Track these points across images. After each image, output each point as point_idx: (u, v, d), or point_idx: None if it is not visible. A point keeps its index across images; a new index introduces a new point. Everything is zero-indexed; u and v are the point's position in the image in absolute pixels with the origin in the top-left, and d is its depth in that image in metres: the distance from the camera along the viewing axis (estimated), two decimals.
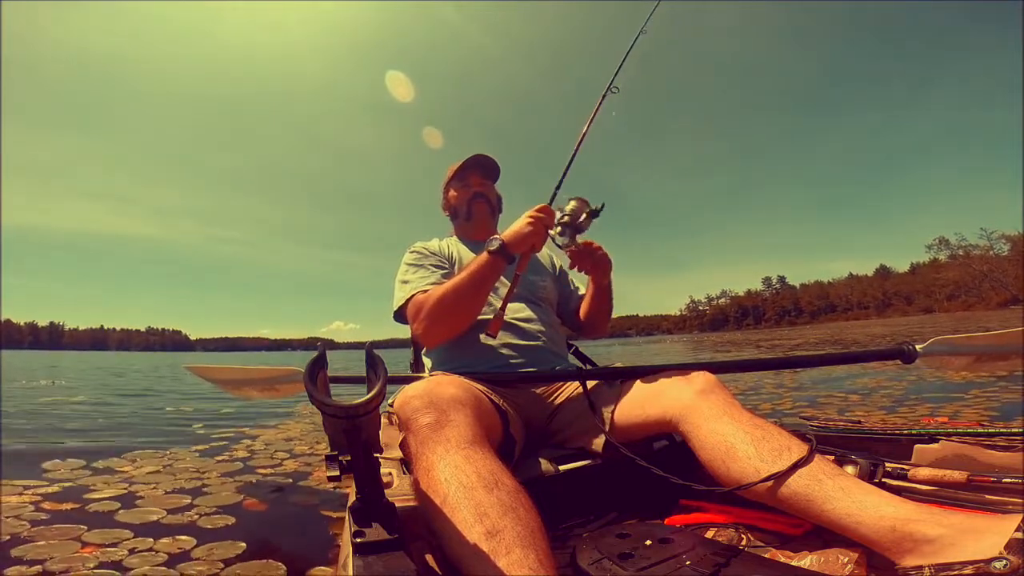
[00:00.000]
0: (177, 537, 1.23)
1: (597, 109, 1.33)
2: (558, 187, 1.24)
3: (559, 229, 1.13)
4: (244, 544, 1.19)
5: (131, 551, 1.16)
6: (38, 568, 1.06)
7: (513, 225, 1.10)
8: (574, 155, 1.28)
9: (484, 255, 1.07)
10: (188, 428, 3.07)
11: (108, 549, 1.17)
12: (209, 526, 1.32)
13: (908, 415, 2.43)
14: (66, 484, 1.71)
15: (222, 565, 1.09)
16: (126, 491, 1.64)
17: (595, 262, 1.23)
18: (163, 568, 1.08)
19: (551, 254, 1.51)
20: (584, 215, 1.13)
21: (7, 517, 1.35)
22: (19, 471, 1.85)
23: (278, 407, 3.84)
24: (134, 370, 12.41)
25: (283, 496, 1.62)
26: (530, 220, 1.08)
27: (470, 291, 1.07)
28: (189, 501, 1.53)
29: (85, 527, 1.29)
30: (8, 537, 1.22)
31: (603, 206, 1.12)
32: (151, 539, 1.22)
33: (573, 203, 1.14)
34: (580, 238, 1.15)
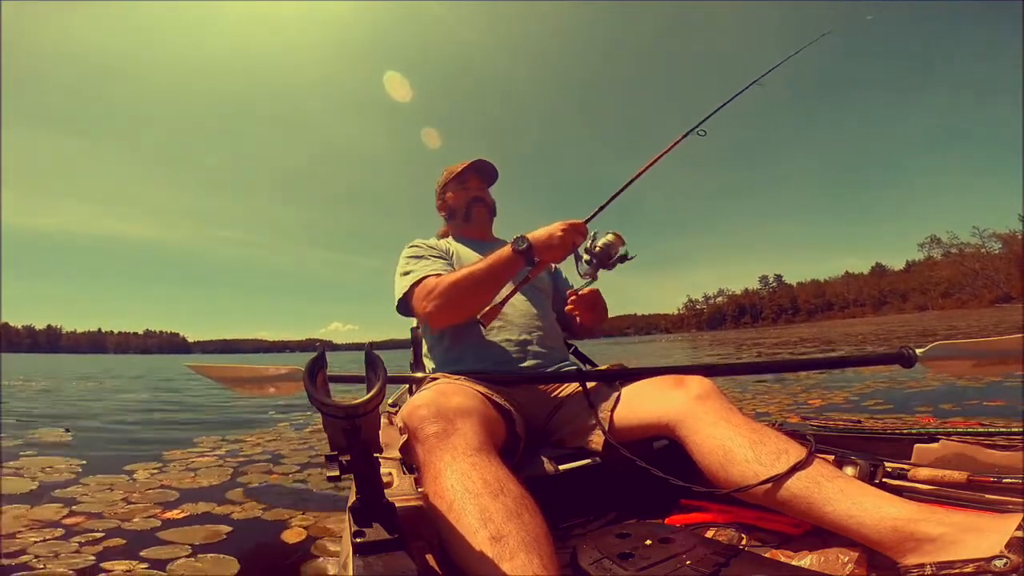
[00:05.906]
0: (324, 471, 2.03)
1: (670, 147, 1.29)
2: (601, 209, 1.18)
3: (587, 257, 1.12)
4: None
5: (308, 475, 1.96)
6: (264, 483, 1.86)
7: (544, 231, 1.08)
8: (627, 185, 1.24)
9: (508, 251, 1.08)
10: (265, 414, 3.87)
11: (289, 475, 1.96)
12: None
13: (803, 397, 3.23)
14: (220, 451, 2.48)
15: None
16: (264, 450, 2.44)
17: (594, 313, 1.25)
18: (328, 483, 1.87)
19: None
20: (615, 256, 1.12)
21: (218, 466, 2.13)
22: (182, 445, 2.62)
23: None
24: (150, 371, 13.17)
25: None
26: (563, 232, 1.06)
27: (485, 282, 1.09)
28: (316, 452, 2.34)
29: (271, 464, 2.09)
30: (228, 477, 1.97)
31: (634, 257, 1.13)
32: (310, 470, 2.02)
33: (610, 237, 1.12)
34: (602, 273, 1.15)
